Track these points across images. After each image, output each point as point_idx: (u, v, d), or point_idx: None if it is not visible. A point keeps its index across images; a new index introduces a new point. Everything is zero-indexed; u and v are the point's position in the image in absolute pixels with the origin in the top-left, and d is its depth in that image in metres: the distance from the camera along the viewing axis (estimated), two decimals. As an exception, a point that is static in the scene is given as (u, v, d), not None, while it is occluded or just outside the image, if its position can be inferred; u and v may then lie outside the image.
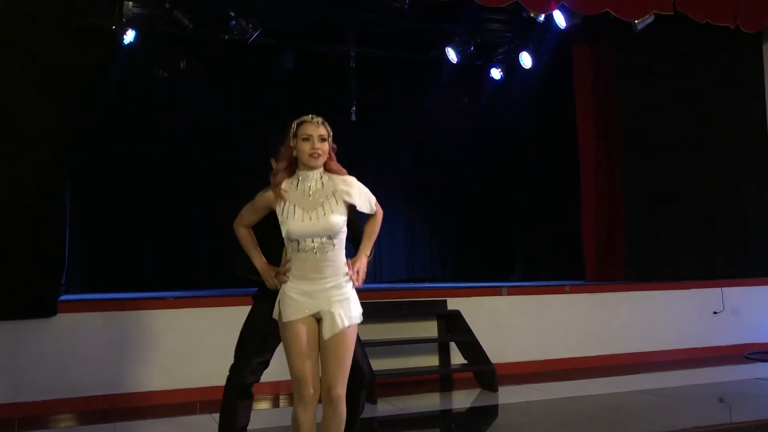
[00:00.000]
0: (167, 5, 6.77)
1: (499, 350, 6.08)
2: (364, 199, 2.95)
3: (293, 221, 2.83)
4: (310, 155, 2.85)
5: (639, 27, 6.70)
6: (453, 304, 6.17)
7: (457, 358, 6.03)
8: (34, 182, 5.06)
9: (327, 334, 2.81)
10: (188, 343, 5.30)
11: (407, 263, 9.61)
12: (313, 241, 2.82)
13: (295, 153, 2.88)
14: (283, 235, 2.86)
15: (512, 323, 6.39)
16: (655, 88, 7.29)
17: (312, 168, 2.88)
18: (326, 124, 2.92)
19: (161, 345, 5.23)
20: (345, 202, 2.87)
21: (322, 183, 2.90)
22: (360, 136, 8.90)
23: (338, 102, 8.51)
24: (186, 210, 8.49)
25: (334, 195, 2.87)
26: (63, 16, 5.34)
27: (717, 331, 7.20)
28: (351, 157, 8.93)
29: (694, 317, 7.15)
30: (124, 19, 7.43)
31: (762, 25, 7.17)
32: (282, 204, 2.87)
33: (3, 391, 4.80)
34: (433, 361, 6.05)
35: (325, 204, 2.85)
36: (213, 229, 8.45)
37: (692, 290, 7.21)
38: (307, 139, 2.86)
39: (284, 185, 2.90)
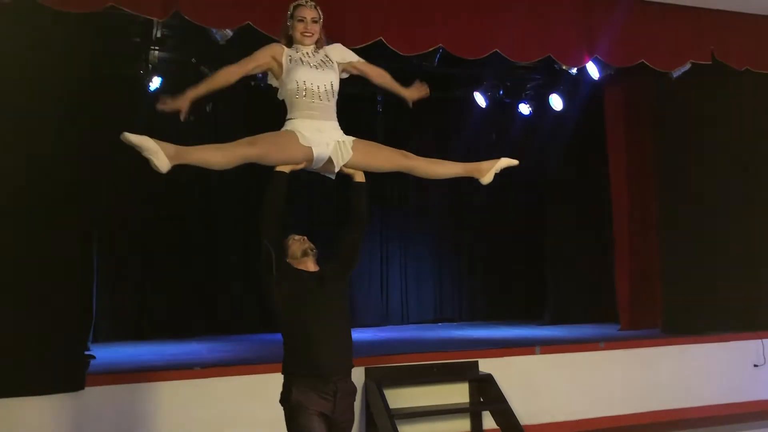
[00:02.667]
0: (193, 60, 6.72)
1: (533, 412, 5.94)
2: (345, 52, 3.39)
3: (303, 68, 3.16)
4: (302, 33, 3.23)
5: (675, 75, 6.51)
6: (485, 364, 6.02)
7: (489, 421, 5.88)
8: (62, 237, 4.98)
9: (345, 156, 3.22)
10: (217, 413, 5.21)
11: (435, 304, 9.49)
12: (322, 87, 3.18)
13: (290, 31, 3.26)
14: (291, 84, 3.14)
15: (546, 383, 6.22)
16: (691, 134, 7.07)
17: (305, 45, 3.24)
18: (318, 8, 3.28)
19: (190, 416, 5.15)
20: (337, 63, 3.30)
21: (315, 52, 3.27)
22: (388, 178, 8.78)
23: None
24: (215, 256, 8.47)
25: (328, 57, 3.29)
26: (92, 64, 5.34)
27: (758, 384, 6.96)
28: (379, 198, 9.03)
29: (734, 371, 6.91)
30: (150, 66, 7.46)
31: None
32: (286, 52, 3.20)
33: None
34: (464, 425, 5.91)
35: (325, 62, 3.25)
36: (241, 275, 8.45)
37: (732, 342, 6.98)
38: (301, 20, 3.23)
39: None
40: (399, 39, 5.44)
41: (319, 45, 3.30)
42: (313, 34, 3.24)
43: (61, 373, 4.87)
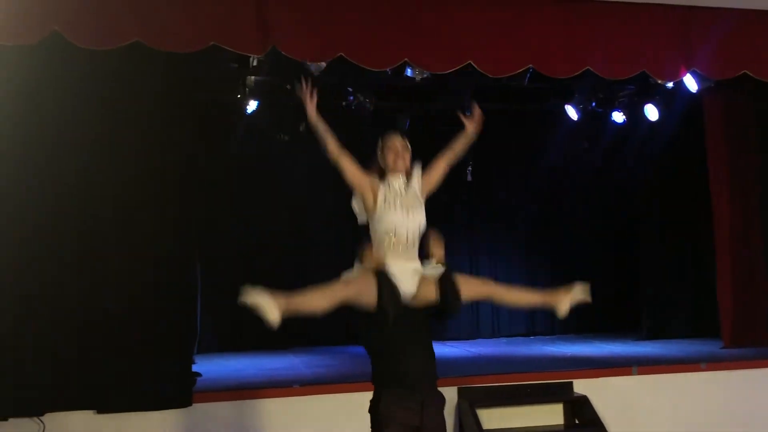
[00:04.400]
0: (288, 86, 6.97)
1: (628, 436, 5.81)
2: (420, 173, 3.48)
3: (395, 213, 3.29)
4: (394, 161, 3.37)
5: (781, 84, 6.20)
6: (580, 385, 5.93)
7: (584, 444, 5.80)
8: (168, 253, 5.29)
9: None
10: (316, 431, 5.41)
11: (526, 317, 9.41)
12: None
13: (382, 162, 3.40)
14: (382, 227, 3.28)
15: (644, 406, 6.06)
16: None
17: (396, 172, 3.37)
18: (407, 139, 3.46)
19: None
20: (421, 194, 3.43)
21: (407, 187, 3.40)
22: (476, 193, 8.83)
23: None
24: (306, 269, 8.72)
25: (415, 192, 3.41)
26: (192, 91, 5.67)
27: None
28: (469, 215, 9.05)
29: None
30: (247, 90, 7.79)
31: None
32: (382, 190, 3.33)
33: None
34: (559, 448, 5.86)
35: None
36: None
37: None
38: (392, 149, 3.40)
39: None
40: (488, 62, 5.47)
41: (408, 175, 3.43)
42: (404, 161, 3.39)
43: (171, 389, 5.19)
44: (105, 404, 5.09)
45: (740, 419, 6.21)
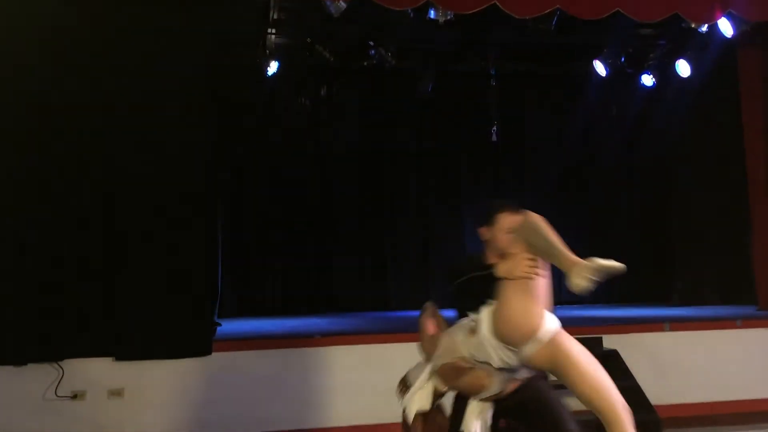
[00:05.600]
0: (309, 39, 6.85)
1: (661, 391, 5.58)
2: None
3: None
4: None
5: (821, 29, 5.93)
6: (609, 341, 5.75)
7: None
8: (189, 217, 5.24)
9: None
10: (337, 380, 5.29)
11: (555, 285, 9.16)
12: None
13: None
14: None
15: (676, 362, 5.86)
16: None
17: None
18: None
19: (310, 382, 5.27)
20: None
21: None
22: (502, 156, 8.64)
23: (478, 122, 8.29)
24: (331, 234, 8.63)
25: None
26: (213, 53, 5.53)
27: None
28: (494, 178, 8.86)
29: None
30: (267, 51, 7.68)
31: None
32: None
33: (167, 425, 5.03)
34: (587, 404, 5.66)
35: None
36: (356, 251, 8.60)
37: None
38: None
39: None
40: (514, 1, 5.27)
41: None
42: None
43: (190, 338, 5.12)
44: (123, 352, 5.03)
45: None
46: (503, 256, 2.92)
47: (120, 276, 5.06)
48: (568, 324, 5.20)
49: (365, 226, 8.57)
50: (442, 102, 8.37)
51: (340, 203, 8.60)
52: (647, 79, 8.39)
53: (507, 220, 3.11)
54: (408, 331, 5.87)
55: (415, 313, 7.66)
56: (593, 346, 5.52)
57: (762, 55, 6.80)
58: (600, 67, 7.81)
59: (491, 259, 3.16)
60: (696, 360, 5.90)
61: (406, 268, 8.85)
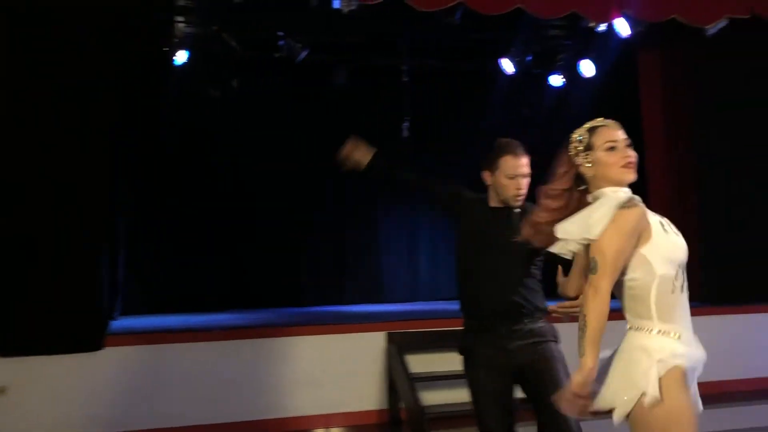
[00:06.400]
0: (215, 27, 6.69)
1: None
2: None
3: (675, 237, 2.19)
4: (625, 167, 2.23)
5: (710, 32, 6.19)
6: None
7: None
8: (87, 209, 5.05)
9: None
10: (238, 374, 5.18)
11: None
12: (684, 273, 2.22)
13: (591, 172, 2.26)
14: (659, 266, 2.14)
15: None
16: (732, 97, 6.74)
17: (622, 184, 2.23)
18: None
19: (206, 377, 5.13)
20: None
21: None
22: (414, 152, 8.66)
23: (391, 118, 8.31)
24: (244, 228, 8.45)
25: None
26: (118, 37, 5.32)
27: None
28: (409, 164, 8.83)
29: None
30: (176, 39, 7.45)
31: None
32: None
33: (53, 423, 4.79)
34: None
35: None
36: (270, 246, 8.47)
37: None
38: (613, 147, 2.25)
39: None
40: (416, -7, 5.30)
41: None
42: (635, 164, 2.28)
43: (80, 332, 4.90)
44: (6, 347, 4.77)
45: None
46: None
47: (4, 269, 4.81)
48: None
49: (278, 220, 8.45)
50: (356, 96, 8.34)
51: (251, 197, 8.45)
52: (556, 79, 8.60)
53: (510, 164, 3.09)
54: (313, 324, 5.86)
55: (329, 308, 7.65)
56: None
57: (659, 54, 7.08)
58: (509, 66, 7.95)
59: (493, 202, 3.19)
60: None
61: (320, 262, 8.78)
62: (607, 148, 2.26)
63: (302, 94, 8.37)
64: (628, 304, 2.23)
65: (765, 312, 6.52)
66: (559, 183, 2.34)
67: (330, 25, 6.57)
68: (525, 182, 3.12)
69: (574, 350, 2.18)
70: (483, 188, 3.33)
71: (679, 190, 7.26)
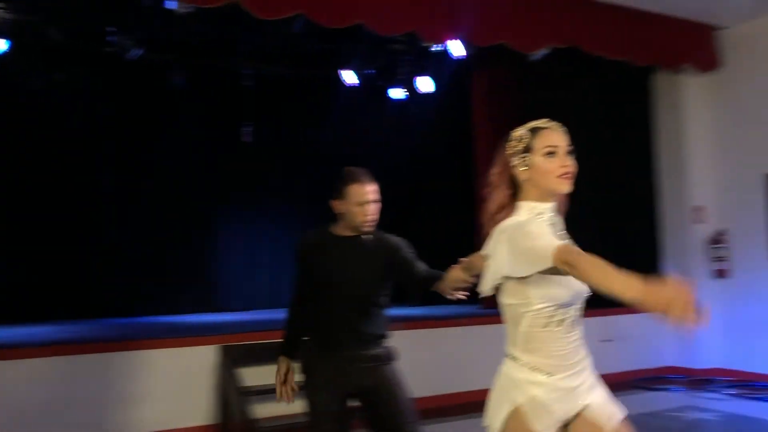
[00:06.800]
0: (34, 16, 6.20)
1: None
2: None
3: (566, 281, 2.01)
4: (562, 176, 2.07)
5: (534, 57, 6.67)
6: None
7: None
8: None
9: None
10: (49, 395, 4.81)
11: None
12: (576, 308, 2.12)
13: (525, 175, 2.11)
14: (541, 300, 2.04)
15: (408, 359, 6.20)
16: (552, 116, 7.28)
17: (554, 196, 2.11)
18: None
19: (19, 399, 4.73)
20: None
21: (557, 219, 2.16)
22: (254, 158, 8.55)
23: (232, 121, 8.14)
24: (63, 231, 7.86)
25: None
26: None
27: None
28: (244, 180, 8.72)
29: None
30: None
31: (650, 61, 7.30)
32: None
33: None
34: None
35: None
36: (93, 251, 7.98)
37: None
38: (552, 153, 2.09)
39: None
40: (255, 1, 5.22)
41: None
42: (573, 174, 2.10)
43: None
44: None
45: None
46: None
47: None
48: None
49: (104, 224, 7.98)
50: (195, 98, 8.08)
51: (75, 200, 7.91)
52: (397, 93, 8.86)
53: (358, 191, 3.06)
54: (142, 339, 5.58)
55: (163, 318, 7.31)
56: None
57: (489, 75, 7.50)
58: (351, 77, 8.07)
59: (343, 231, 3.16)
60: (423, 356, 6.30)
61: (152, 269, 8.38)
62: (547, 152, 2.09)
63: (136, 92, 7.96)
64: (507, 326, 2.16)
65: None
66: (495, 186, 2.18)
67: (168, 25, 6.30)
68: (374, 208, 3.16)
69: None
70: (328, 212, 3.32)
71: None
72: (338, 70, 8.08)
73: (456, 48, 6.54)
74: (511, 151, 2.15)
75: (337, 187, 3.17)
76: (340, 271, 3.15)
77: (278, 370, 3.26)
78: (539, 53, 6.59)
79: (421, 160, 9.19)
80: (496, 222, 2.11)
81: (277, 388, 3.25)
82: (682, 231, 7.64)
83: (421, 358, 6.14)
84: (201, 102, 8.12)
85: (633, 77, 7.61)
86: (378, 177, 3.06)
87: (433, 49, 6.91)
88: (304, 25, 5.77)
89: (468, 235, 8.54)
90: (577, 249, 1.93)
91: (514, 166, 2.14)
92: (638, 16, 6.86)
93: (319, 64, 8.26)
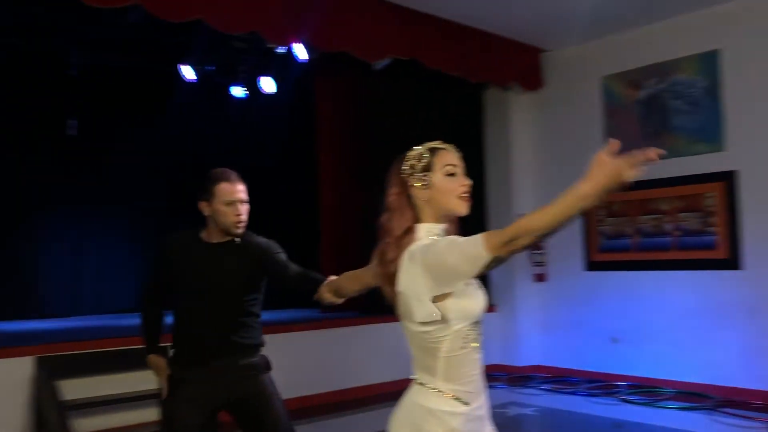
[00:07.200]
0: None
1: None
2: None
3: (475, 290, 1.98)
4: (461, 197, 2.03)
5: (377, 66, 6.82)
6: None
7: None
8: None
9: None
10: None
11: (136, 291, 8.81)
12: (479, 328, 2.02)
13: (426, 196, 2.03)
14: (458, 318, 1.94)
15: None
16: (392, 124, 7.52)
17: (447, 218, 2.05)
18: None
19: None
20: None
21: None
22: (80, 154, 7.98)
23: (56, 113, 7.52)
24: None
25: None
26: None
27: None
28: (70, 178, 8.11)
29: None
30: None
31: (483, 78, 7.72)
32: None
33: None
34: (154, 414, 5.50)
35: None
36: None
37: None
38: (453, 174, 2.05)
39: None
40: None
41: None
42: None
43: None
44: None
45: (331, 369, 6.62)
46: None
47: None
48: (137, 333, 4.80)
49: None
50: (13, 85, 7.37)
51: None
52: (239, 91, 8.65)
53: (226, 190, 2.94)
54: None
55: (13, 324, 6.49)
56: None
57: (332, 81, 7.57)
58: (189, 71, 7.78)
59: (211, 236, 3.01)
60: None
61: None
62: (447, 172, 2.05)
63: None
64: (417, 354, 2.02)
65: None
66: (395, 210, 2.06)
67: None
68: (244, 208, 3.03)
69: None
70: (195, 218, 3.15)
71: (346, 198, 7.83)
72: (177, 65, 7.73)
73: (300, 51, 6.51)
74: (409, 171, 2.08)
75: (204, 187, 3.04)
76: (208, 279, 3.02)
77: (157, 371, 3.09)
78: (381, 63, 6.74)
79: (262, 160, 9.04)
80: (402, 247, 2.01)
81: (164, 389, 3.05)
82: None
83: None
84: (19, 90, 7.41)
85: (467, 92, 8.03)
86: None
87: (277, 50, 6.80)
88: (144, 17, 5.43)
89: (309, 239, 8.63)
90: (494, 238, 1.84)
91: (412, 186, 2.07)
92: (474, 35, 7.22)
93: (157, 58, 7.86)
